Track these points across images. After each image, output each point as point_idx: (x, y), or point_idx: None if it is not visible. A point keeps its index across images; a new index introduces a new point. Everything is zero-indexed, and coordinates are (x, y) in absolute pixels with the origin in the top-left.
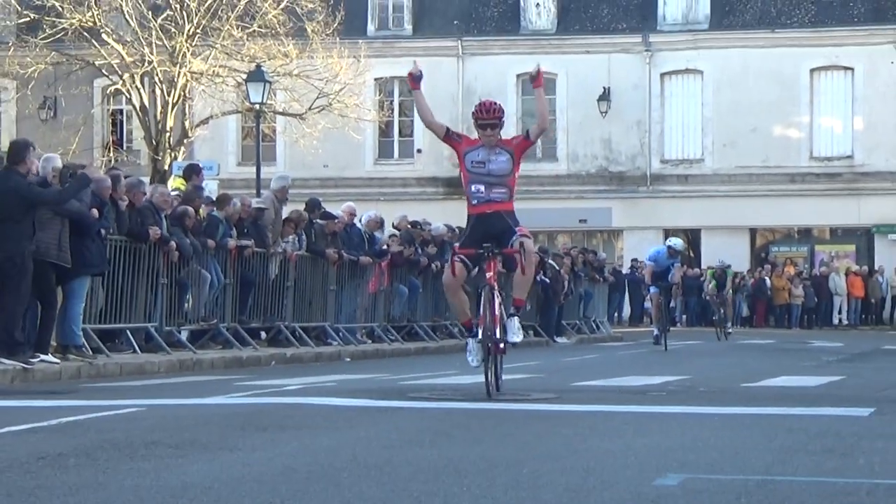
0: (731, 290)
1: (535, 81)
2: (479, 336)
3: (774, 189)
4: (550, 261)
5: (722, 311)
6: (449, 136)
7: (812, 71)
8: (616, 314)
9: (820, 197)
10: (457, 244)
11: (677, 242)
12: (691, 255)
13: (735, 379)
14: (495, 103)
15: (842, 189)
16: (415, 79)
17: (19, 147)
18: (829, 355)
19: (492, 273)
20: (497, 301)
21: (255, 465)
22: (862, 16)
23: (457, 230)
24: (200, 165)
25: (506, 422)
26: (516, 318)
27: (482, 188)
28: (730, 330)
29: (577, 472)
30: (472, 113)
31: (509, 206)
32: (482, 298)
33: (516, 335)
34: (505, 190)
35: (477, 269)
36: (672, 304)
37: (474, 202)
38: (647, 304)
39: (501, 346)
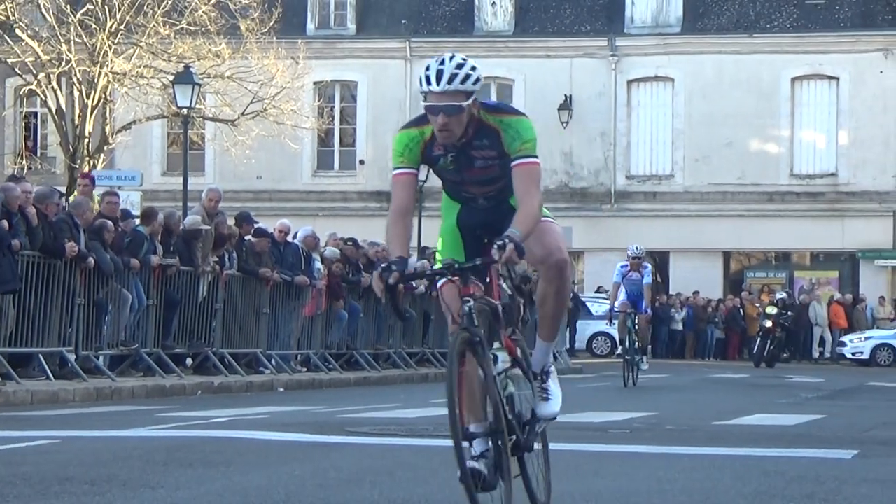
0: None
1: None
2: None
3: (751, 209)
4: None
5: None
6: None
7: (793, 80)
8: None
9: (800, 218)
10: None
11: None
12: (659, 280)
13: (706, 416)
14: None
15: (824, 210)
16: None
17: None
18: (808, 391)
19: None
20: None
21: None
22: (849, 20)
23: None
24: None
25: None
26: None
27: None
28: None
29: None
30: None
31: None
32: None
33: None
34: None
35: None
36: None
37: None
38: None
39: None
